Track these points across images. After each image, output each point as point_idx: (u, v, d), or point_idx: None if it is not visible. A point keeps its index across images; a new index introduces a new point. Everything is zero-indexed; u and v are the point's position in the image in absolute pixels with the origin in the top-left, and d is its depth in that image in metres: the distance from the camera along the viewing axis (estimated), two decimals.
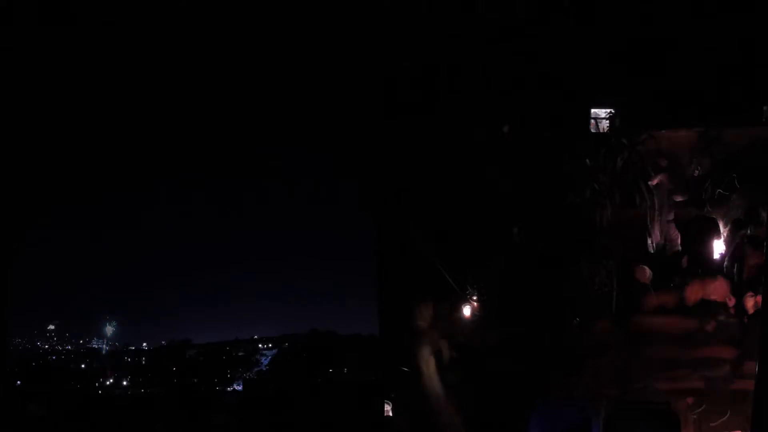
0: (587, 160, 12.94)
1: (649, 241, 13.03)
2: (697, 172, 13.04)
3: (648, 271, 12.36)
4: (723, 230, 12.55)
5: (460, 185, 14.33)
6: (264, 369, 56.85)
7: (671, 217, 13.08)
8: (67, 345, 71.95)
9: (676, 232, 12.94)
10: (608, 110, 14.13)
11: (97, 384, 54.98)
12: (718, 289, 11.95)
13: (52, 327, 71.17)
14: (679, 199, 13.16)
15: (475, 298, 13.42)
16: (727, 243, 12.44)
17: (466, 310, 13.46)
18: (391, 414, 14.27)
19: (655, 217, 13.03)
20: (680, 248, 12.78)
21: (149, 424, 24.87)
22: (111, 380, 56.46)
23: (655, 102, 13.56)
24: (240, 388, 50.34)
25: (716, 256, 12.39)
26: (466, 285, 13.47)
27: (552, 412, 10.00)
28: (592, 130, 14.30)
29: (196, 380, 53.53)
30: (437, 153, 14.85)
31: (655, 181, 13.00)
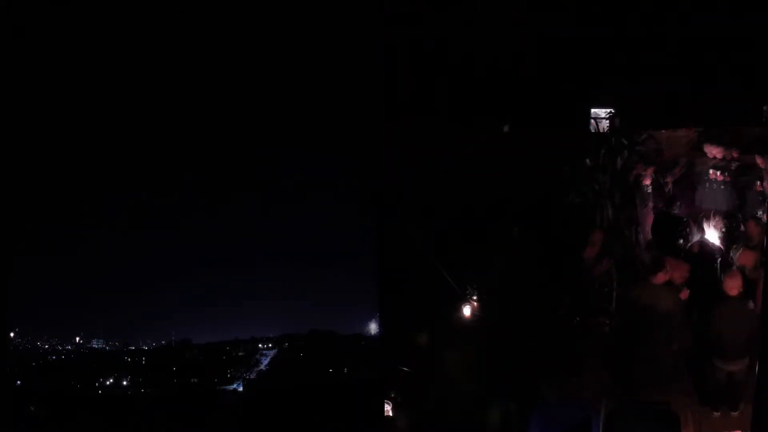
0: (587, 160, 12.94)
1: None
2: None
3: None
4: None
5: (461, 185, 14.33)
6: (264, 369, 56.82)
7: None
8: (67, 345, 72.00)
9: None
10: (608, 110, 14.13)
11: (97, 384, 54.86)
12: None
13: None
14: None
15: (475, 298, 13.40)
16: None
17: (466, 310, 13.44)
18: (391, 414, 14.24)
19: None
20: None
21: (149, 423, 24.84)
22: (111, 380, 56.39)
23: (654, 102, 13.56)
24: (240, 388, 50.26)
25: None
26: (466, 285, 13.46)
27: (552, 412, 9.99)
28: (592, 130, 14.30)
29: (196, 380, 53.47)
30: (438, 152, 14.85)
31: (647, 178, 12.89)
